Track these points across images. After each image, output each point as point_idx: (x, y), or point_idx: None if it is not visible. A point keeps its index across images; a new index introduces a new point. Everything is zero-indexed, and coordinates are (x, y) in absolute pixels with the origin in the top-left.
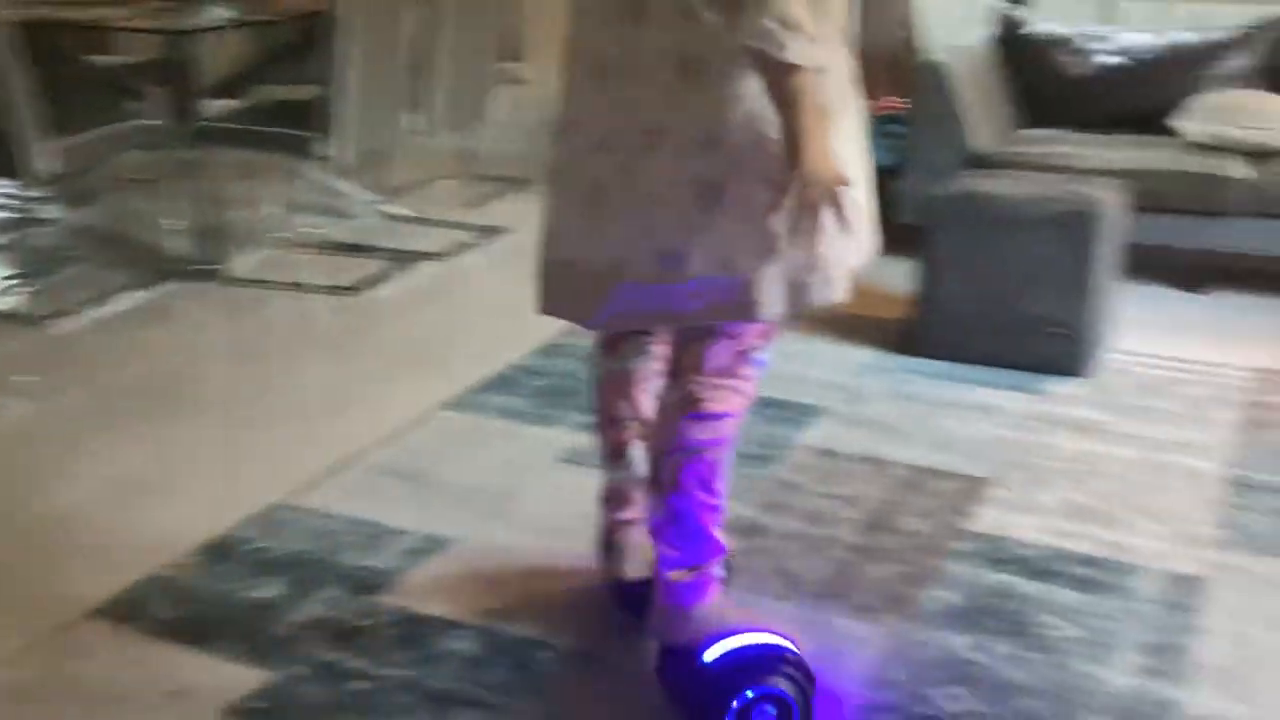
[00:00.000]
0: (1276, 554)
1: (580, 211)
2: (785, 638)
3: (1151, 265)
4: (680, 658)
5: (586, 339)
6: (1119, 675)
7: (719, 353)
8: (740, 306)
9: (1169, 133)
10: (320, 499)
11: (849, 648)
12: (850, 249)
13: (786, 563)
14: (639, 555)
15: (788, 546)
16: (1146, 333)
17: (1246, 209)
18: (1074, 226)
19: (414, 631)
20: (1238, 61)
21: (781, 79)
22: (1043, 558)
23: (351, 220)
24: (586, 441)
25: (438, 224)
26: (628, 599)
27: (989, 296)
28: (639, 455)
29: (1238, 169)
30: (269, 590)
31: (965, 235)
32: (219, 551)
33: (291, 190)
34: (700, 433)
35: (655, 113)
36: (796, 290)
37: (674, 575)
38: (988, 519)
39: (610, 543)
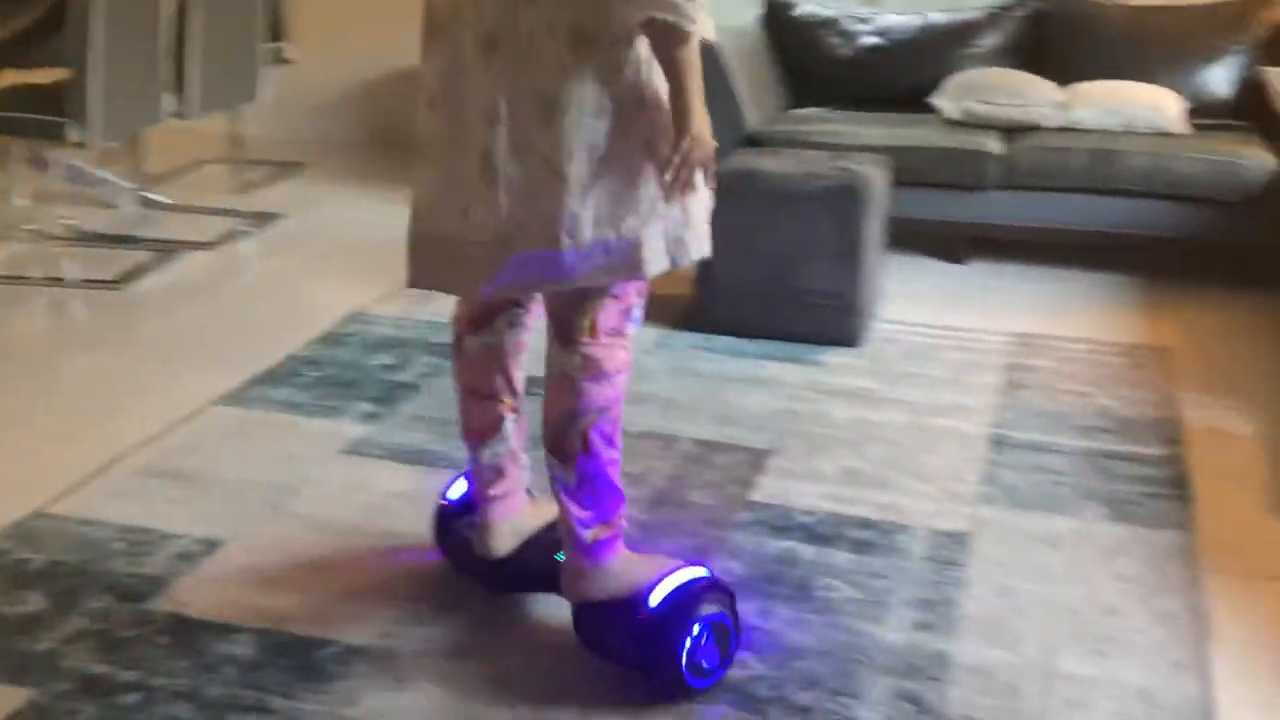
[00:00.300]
0: (1034, 508)
1: (461, 183)
2: (701, 565)
3: (914, 237)
4: (611, 613)
5: (367, 326)
6: (893, 631)
7: (609, 313)
8: (630, 266)
9: (929, 110)
10: (84, 505)
11: None
12: (707, 207)
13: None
14: (509, 530)
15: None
16: (912, 303)
17: (1001, 182)
18: (843, 202)
19: (188, 638)
20: (989, 41)
21: (678, 48)
22: (821, 523)
23: (111, 209)
24: (370, 433)
25: (205, 211)
26: (500, 577)
27: (766, 272)
28: (511, 429)
29: (992, 144)
30: (29, 605)
31: (743, 212)
32: None
33: (43, 179)
34: (602, 392)
35: (548, 83)
36: (676, 246)
37: (590, 535)
38: (770, 489)
39: (481, 522)
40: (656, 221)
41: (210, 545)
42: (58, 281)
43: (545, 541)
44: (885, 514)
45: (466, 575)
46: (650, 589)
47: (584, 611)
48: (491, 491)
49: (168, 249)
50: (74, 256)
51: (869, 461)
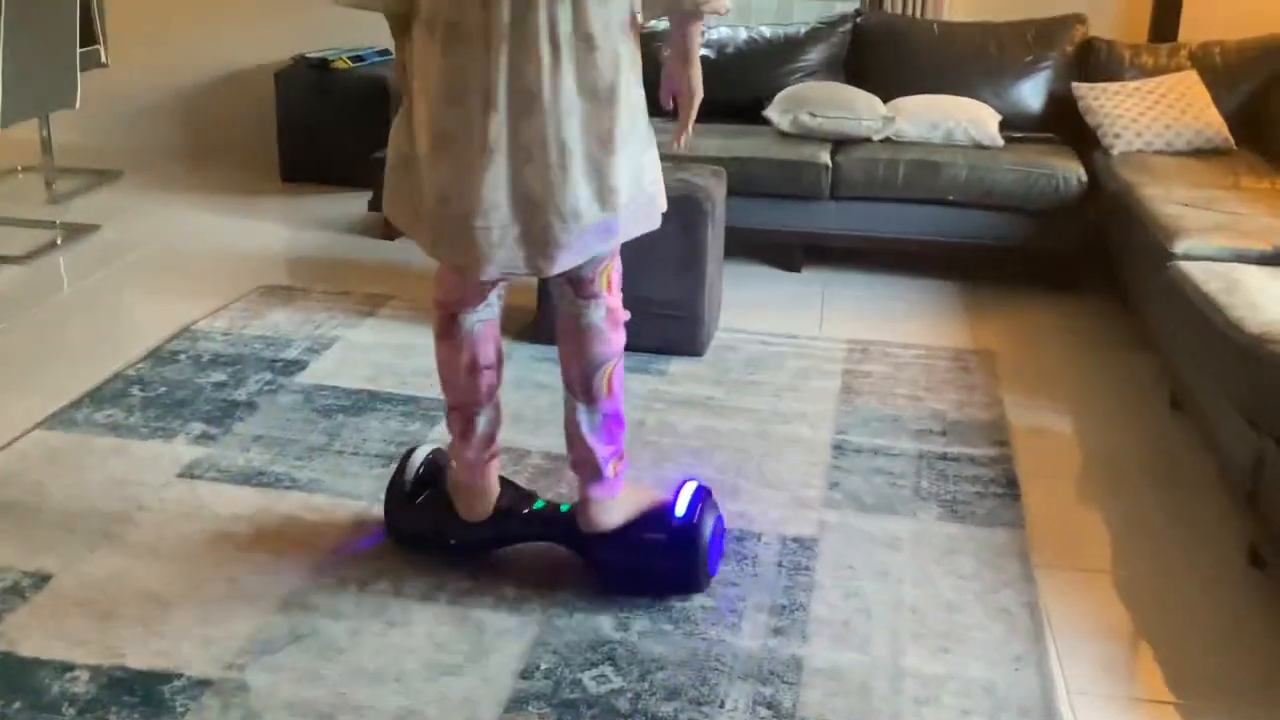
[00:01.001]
0: (875, 511)
1: (502, 174)
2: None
3: (749, 246)
4: (642, 530)
5: (196, 343)
6: (749, 639)
7: (617, 269)
8: (650, 217)
9: (759, 122)
10: None
11: (498, 641)
12: None
13: (427, 563)
14: (494, 491)
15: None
16: (751, 311)
17: (830, 192)
18: (685, 213)
19: (21, 679)
20: (814, 55)
21: (696, 25)
22: None
23: None
24: (206, 454)
25: (16, 223)
26: (487, 537)
27: None
28: (499, 395)
29: (823, 156)
30: None
31: None
32: None
33: None
34: (620, 338)
35: (610, 72)
36: (662, 193)
37: (611, 468)
38: None
39: (478, 485)
40: (658, 175)
41: (40, 579)
42: None
43: (512, 497)
44: (736, 522)
45: (432, 549)
46: (672, 504)
47: (607, 540)
48: (486, 455)
49: None
50: None
51: (717, 470)
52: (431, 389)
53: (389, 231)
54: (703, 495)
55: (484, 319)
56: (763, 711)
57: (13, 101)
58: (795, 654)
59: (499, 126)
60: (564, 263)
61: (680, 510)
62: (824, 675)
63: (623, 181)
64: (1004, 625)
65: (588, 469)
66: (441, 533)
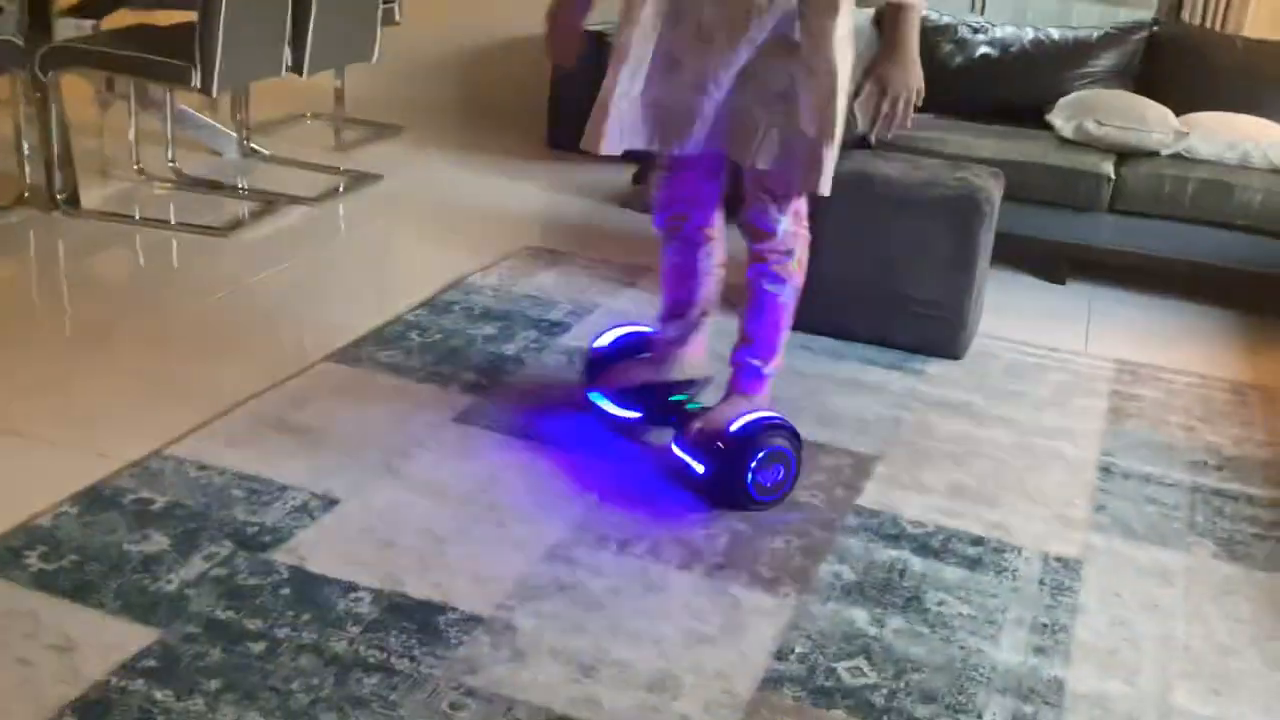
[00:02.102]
0: (1145, 540)
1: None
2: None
3: (1015, 253)
4: (711, 437)
5: (469, 296)
6: (1008, 652)
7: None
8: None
9: (1039, 126)
10: (200, 449)
11: (753, 619)
12: None
13: (684, 532)
14: (684, 365)
15: (686, 516)
16: (1011, 319)
17: (1110, 205)
18: (960, 213)
19: (310, 592)
20: (1103, 61)
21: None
22: (931, 536)
23: (214, 156)
24: (477, 403)
25: (307, 166)
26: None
27: (873, 276)
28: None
29: (1105, 166)
30: (153, 544)
31: (856, 215)
32: (97, 501)
33: (147, 120)
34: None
35: None
36: None
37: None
38: (877, 496)
39: (672, 353)
40: None
41: (327, 501)
42: (163, 224)
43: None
44: (995, 532)
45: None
46: (734, 419)
47: (697, 437)
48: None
49: (270, 200)
50: (178, 201)
51: (975, 477)
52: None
53: (650, 206)
54: (764, 424)
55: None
56: None
57: (319, 52)
58: (1057, 675)
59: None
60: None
61: (734, 427)
62: (1088, 702)
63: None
64: None
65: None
66: (611, 391)
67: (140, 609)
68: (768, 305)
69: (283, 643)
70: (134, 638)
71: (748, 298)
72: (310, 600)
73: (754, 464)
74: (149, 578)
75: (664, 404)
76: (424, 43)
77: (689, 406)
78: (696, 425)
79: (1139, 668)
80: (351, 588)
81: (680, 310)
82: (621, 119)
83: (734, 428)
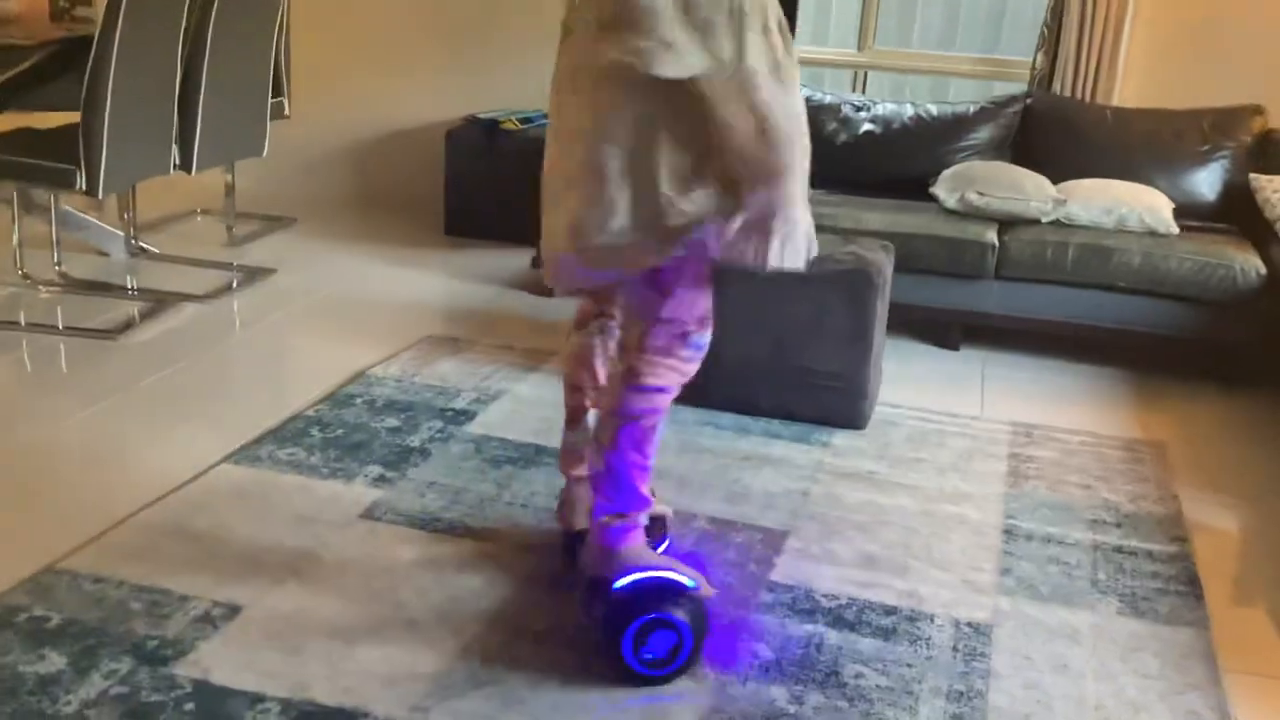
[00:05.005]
0: (1052, 601)
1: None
2: (689, 578)
3: (907, 322)
4: (599, 587)
5: (371, 388)
6: None
7: (658, 334)
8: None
9: (923, 198)
10: (96, 562)
11: (675, 706)
12: None
13: None
14: (585, 508)
15: None
16: (910, 387)
17: (994, 272)
18: (855, 285)
19: (215, 706)
20: (982, 134)
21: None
22: (845, 608)
23: (101, 257)
24: (384, 497)
25: (197, 263)
26: (574, 547)
27: (772, 350)
28: (592, 420)
29: (988, 235)
30: (50, 664)
31: (751, 290)
32: None
33: (31, 224)
34: (638, 402)
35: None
36: None
37: (605, 520)
38: (789, 570)
39: (564, 499)
40: None
41: (229, 609)
42: (50, 329)
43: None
44: (907, 601)
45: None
46: (622, 575)
47: (587, 583)
48: (572, 472)
49: (161, 300)
50: (64, 303)
51: (885, 546)
52: None
53: (549, 289)
54: (657, 586)
55: (580, 343)
56: None
57: (207, 149)
58: None
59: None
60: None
61: (620, 583)
62: None
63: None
64: None
65: (587, 509)
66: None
67: None
68: None
69: None
70: None
71: None
72: (216, 715)
73: (634, 628)
74: (46, 699)
75: None
76: (316, 135)
77: None
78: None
79: None
80: (259, 699)
81: None
82: None
83: (620, 584)
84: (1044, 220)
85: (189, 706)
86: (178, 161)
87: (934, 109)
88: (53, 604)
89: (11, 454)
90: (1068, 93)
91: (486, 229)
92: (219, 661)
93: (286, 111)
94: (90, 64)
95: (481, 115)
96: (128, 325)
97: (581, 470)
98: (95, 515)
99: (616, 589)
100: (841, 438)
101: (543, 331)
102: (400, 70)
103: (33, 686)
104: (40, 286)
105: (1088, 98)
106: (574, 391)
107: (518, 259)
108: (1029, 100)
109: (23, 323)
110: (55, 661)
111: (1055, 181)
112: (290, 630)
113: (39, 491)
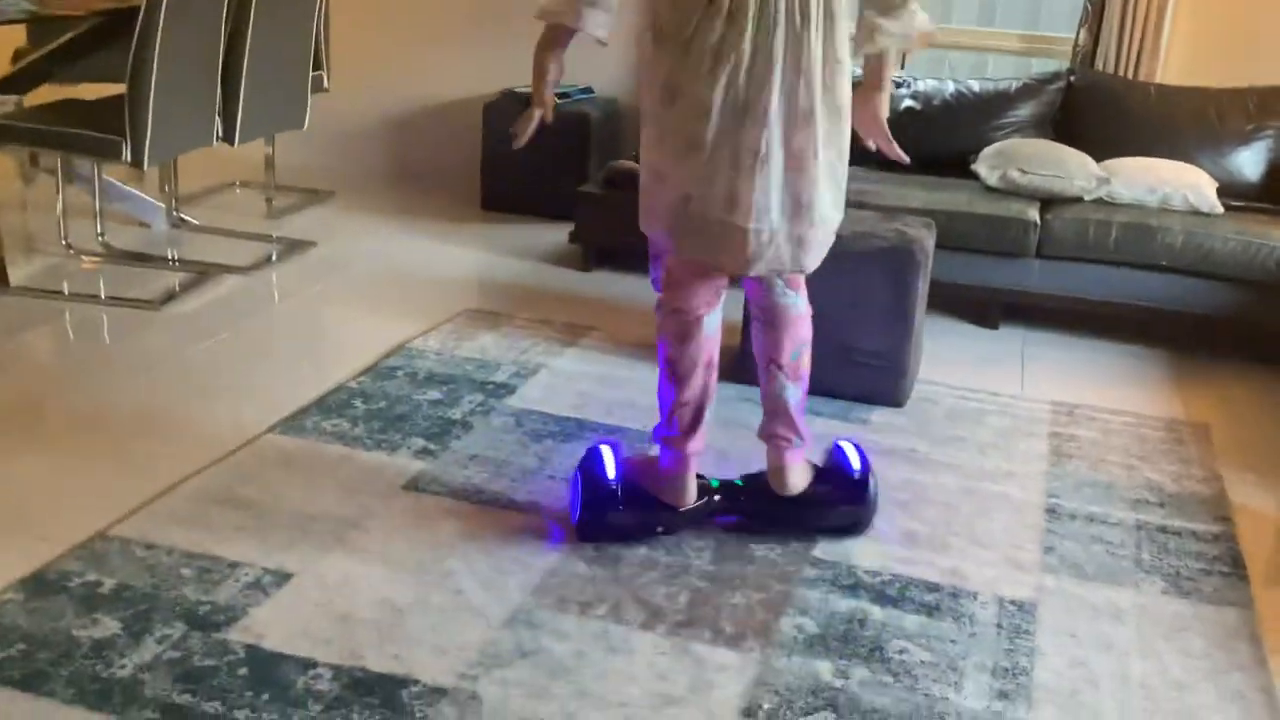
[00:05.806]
0: (1095, 579)
1: (775, 180)
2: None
3: (947, 300)
4: (826, 486)
5: (412, 360)
6: (972, 698)
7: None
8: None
9: (964, 176)
10: (146, 528)
11: (719, 677)
12: None
13: (644, 592)
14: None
15: (644, 575)
16: (949, 365)
17: (1036, 250)
18: (896, 262)
19: (267, 671)
20: (1023, 111)
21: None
22: (887, 584)
23: (143, 228)
24: (427, 469)
25: (237, 235)
26: (693, 520)
27: (815, 328)
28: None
29: (1031, 213)
30: (104, 629)
31: None
32: (42, 586)
33: (74, 194)
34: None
35: (826, 96)
36: None
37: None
38: (831, 546)
39: (688, 477)
40: None
41: (279, 576)
42: (93, 299)
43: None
44: (949, 578)
45: (636, 539)
46: (843, 463)
47: (800, 500)
48: (702, 447)
49: (202, 271)
50: (107, 274)
51: (926, 524)
52: (635, 420)
53: (586, 264)
54: (863, 451)
55: (719, 320)
56: None
57: (250, 121)
58: (1020, 718)
59: (772, 138)
60: (816, 260)
61: (855, 465)
62: None
63: (841, 191)
64: (1239, 709)
65: (789, 439)
66: (650, 524)
67: (94, 696)
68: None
69: None
70: None
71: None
72: (268, 679)
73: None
74: (101, 663)
75: (722, 498)
76: (354, 109)
77: (737, 482)
78: (801, 487)
79: (1100, 709)
80: (310, 664)
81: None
82: None
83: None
84: (1086, 198)
85: (242, 671)
86: (221, 133)
87: (975, 85)
88: (105, 570)
89: (59, 422)
90: (1110, 70)
91: (523, 204)
92: (270, 628)
93: (326, 85)
94: (136, 35)
95: (519, 89)
96: (170, 296)
97: (704, 443)
98: (144, 483)
99: (858, 478)
100: (881, 415)
101: (580, 306)
102: (438, 44)
103: (88, 650)
104: (83, 257)
105: (1130, 75)
106: (714, 369)
107: (555, 234)
108: (1072, 77)
109: (66, 292)
110: (109, 626)
111: (1098, 159)
112: (339, 598)
113: (88, 458)
